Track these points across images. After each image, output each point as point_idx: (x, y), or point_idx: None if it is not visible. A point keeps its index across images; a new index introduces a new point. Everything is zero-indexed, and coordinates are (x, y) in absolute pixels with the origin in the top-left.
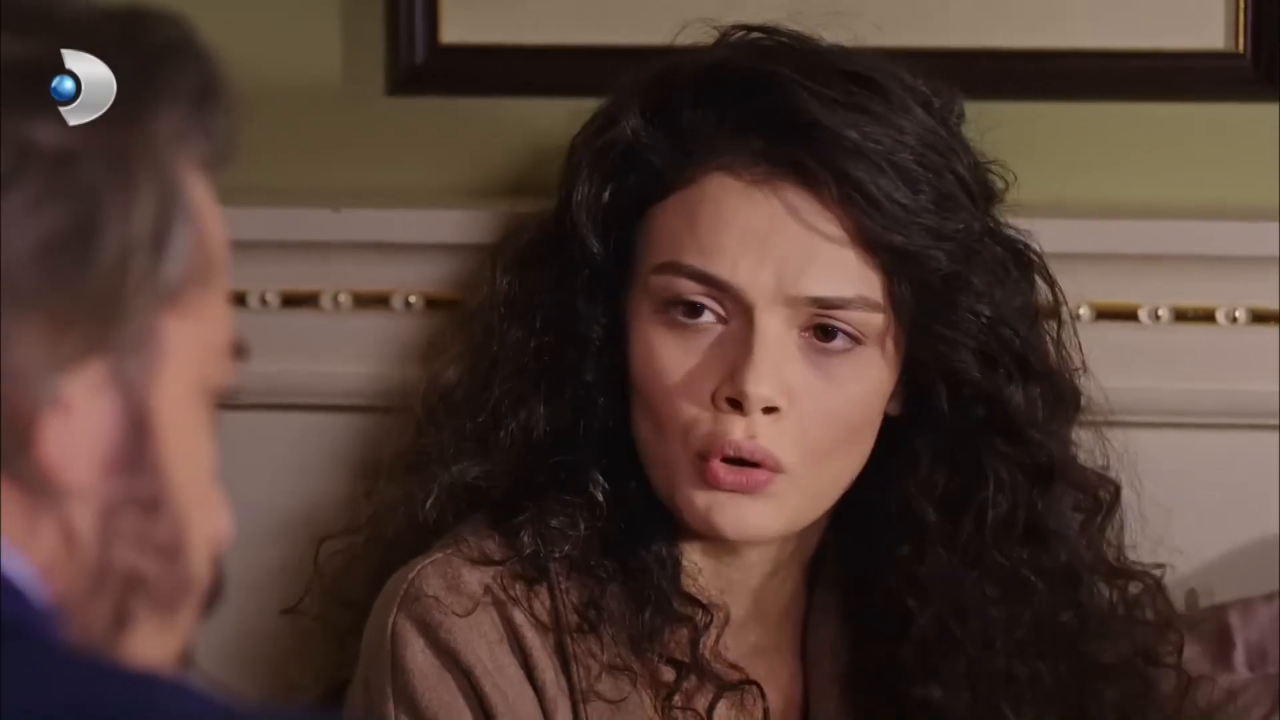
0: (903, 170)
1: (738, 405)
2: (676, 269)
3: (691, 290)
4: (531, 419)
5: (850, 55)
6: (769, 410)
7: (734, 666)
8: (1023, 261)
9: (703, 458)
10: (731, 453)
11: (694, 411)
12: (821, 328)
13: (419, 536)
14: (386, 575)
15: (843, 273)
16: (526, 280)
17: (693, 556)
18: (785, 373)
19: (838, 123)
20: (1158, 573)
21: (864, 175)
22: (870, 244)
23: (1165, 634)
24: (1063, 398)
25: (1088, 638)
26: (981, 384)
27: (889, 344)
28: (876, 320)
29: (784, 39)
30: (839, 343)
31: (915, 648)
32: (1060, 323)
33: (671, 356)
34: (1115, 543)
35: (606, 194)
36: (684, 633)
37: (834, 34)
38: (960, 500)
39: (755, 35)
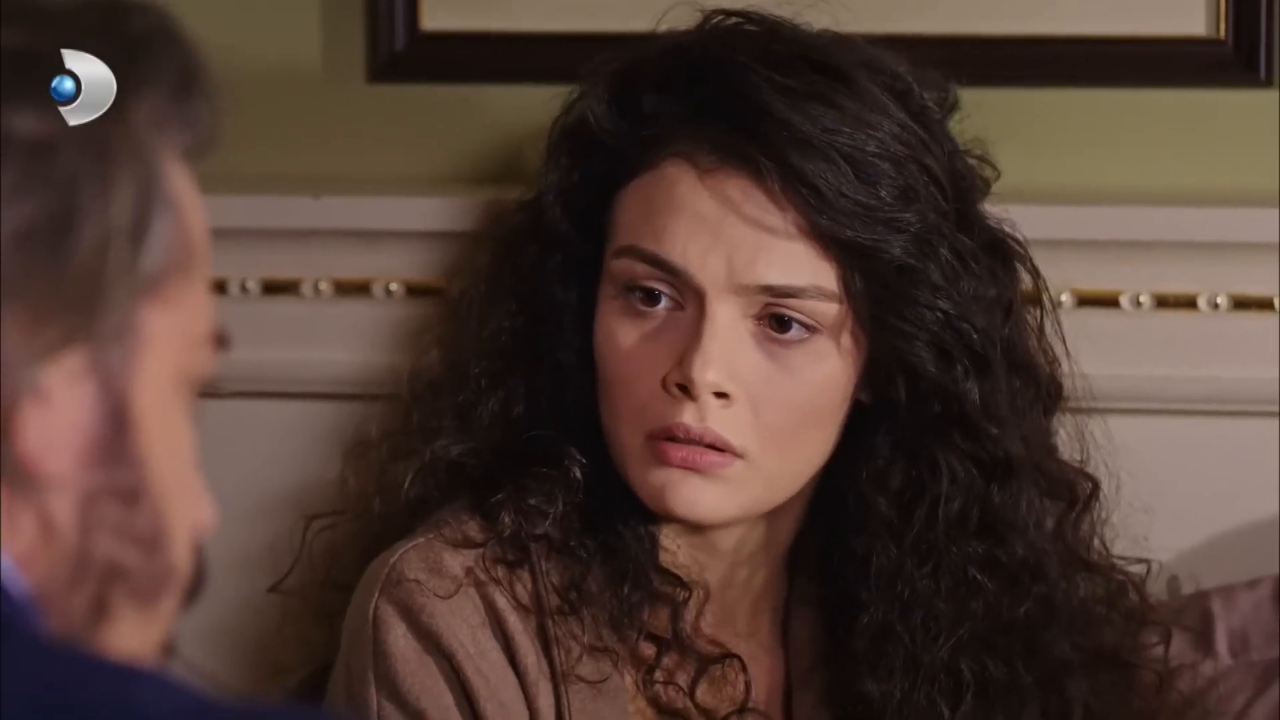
0: (858, 162)
1: (687, 390)
2: (633, 253)
3: (646, 275)
4: (510, 398)
5: (822, 44)
6: (720, 396)
7: (714, 642)
8: (1002, 252)
9: (653, 438)
10: (681, 435)
11: (646, 395)
12: (776, 317)
13: (404, 517)
14: (375, 557)
15: (795, 262)
16: (506, 263)
17: (669, 534)
18: (736, 359)
19: (789, 113)
20: (1140, 568)
21: (809, 167)
22: (820, 235)
23: (1142, 628)
24: (1041, 389)
25: (1053, 632)
26: (938, 379)
27: (846, 335)
28: (831, 310)
29: (755, 25)
30: (794, 333)
31: (861, 641)
32: (1043, 311)
33: (627, 340)
34: (1093, 536)
35: (575, 178)
36: (664, 609)
37: (819, 20)
38: (914, 494)
39: (733, 20)
